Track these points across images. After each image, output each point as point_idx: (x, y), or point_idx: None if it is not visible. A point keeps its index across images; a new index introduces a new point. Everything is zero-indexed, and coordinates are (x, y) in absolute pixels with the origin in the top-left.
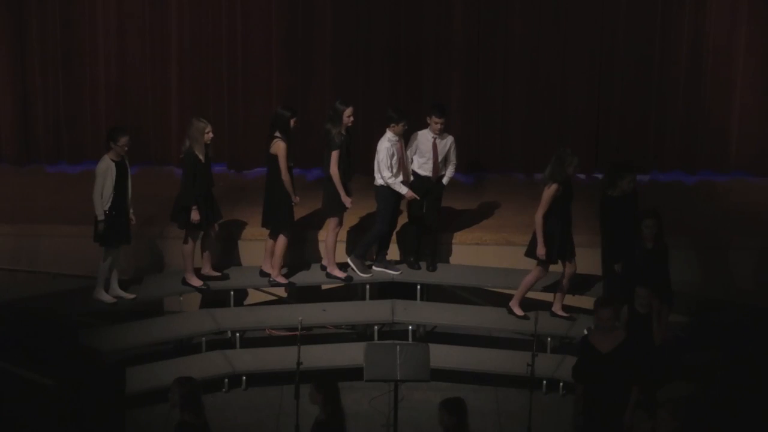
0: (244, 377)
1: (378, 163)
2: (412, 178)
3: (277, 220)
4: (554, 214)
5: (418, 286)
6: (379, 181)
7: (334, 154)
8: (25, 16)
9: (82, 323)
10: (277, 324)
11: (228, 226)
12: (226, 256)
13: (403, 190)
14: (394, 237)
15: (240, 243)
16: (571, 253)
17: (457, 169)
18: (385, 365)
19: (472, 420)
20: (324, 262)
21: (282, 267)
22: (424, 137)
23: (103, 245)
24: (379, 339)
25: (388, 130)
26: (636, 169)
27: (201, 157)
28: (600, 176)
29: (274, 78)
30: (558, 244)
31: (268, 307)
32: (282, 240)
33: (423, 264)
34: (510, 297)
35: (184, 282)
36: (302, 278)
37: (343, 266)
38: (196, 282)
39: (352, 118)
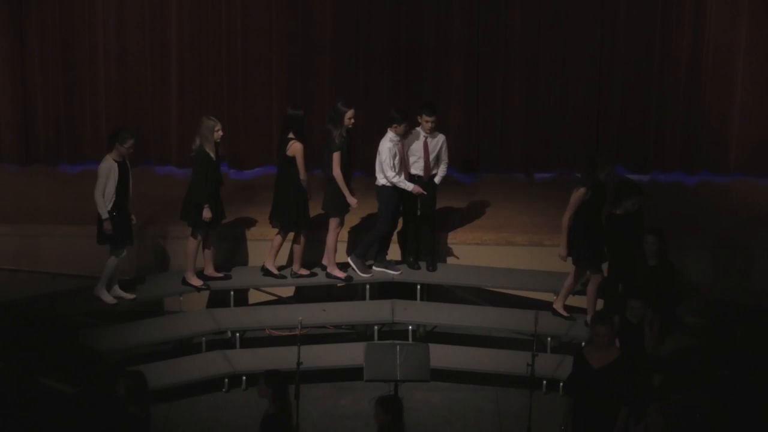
0: (244, 377)
1: (381, 163)
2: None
3: (288, 219)
4: (581, 217)
5: (418, 286)
6: (381, 182)
7: (336, 156)
8: (25, 16)
9: (82, 323)
10: (277, 324)
11: (233, 226)
12: (232, 255)
13: (409, 186)
14: (394, 237)
15: (245, 242)
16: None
17: (458, 169)
18: (385, 365)
19: (473, 420)
20: (324, 262)
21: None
22: (415, 136)
23: (110, 246)
24: (379, 339)
25: (389, 130)
26: (642, 192)
27: (212, 154)
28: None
29: (274, 78)
30: (588, 245)
31: (268, 307)
32: (301, 239)
33: (423, 264)
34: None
35: (185, 281)
36: (302, 278)
37: (343, 266)
38: (197, 282)
39: (353, 120)
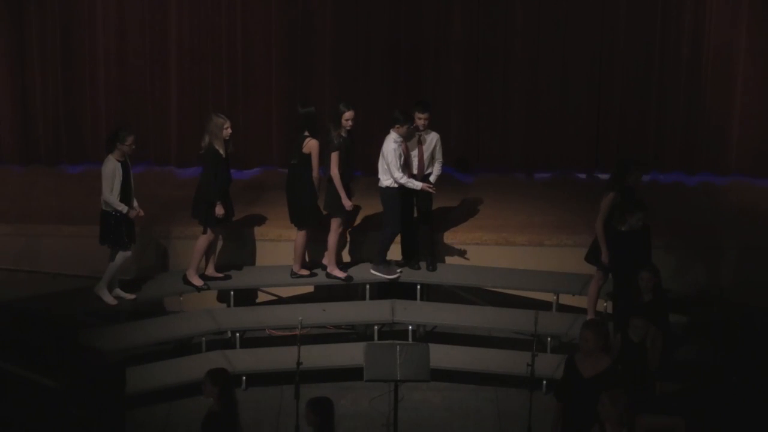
0: (244, 377)
1: (387, 165)
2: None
3: (304, 217)
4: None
5: (418, 286)
6: (385, 183)
7: (334, 156)
8: (24, 16)
9: (82, 323)
10: (277, 324)
11: (234, 226)
12: (233, 255)
13: (417, 185)
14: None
15: (247, 242)
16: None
17: (458, 169)
18: (385, 365)
19: (473, 420)
20: (324, 261)
21: (302, 262)
22: (410, 134)
23: (116, 247)
24: (379, 339)
25: (392, 131)
26: (646, 208)
27: (222, 152)
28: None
29: (274, 78)
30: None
31: (268, 307)
32: (302, 236)
33: (423, 264)
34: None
35: (186, 280)
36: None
37: (343, 266)
38: (198, 281)
39: (350, 122)
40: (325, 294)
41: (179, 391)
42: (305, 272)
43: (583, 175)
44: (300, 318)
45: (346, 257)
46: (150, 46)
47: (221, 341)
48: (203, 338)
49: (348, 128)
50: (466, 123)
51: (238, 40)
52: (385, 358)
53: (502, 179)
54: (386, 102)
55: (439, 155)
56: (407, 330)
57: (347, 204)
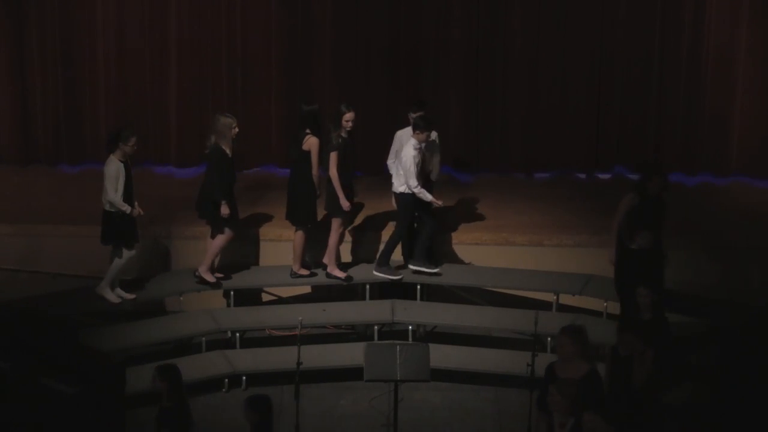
0: (244, 377)
1: (405, 171)
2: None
3: (298, 214)
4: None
5: (418, 286)
6: (400, 189)
7: (333, 156)
8: (24, 16)
9: (82, 323)
10: (277, 324)
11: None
12: (234, 255)
13: (429, 197)
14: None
15: (248, 242)
16: None
17: (457, 169)
18: (385, 365)
19: (473, 420)
20: (325, 261)
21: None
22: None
23: (113, 247)
24: (379, 339)
25: (412, 137)
26: (654, 227)
27: (228, 152)
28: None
29: (274, 78)
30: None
31: (268, 307)
32: (300, 235)
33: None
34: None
35: (199, 277)
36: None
37: (343, 266)
38: (211, 278)
39: (350, 123)
40: (325, 294)
41: None
42: (305, 272)
43: (582, 175)
44: (300, 318)
45: (346, 257)
46: (150, 46)
47: (221, 341)
48: (203, 338)
49: (348, 129)
50: (466, 123)
51: (238, 40)
52: (385, 358)
53: (502, 179)
54: (386, 102)
55: (437, 154)
56: (407, 330)
57: (345, 205)
